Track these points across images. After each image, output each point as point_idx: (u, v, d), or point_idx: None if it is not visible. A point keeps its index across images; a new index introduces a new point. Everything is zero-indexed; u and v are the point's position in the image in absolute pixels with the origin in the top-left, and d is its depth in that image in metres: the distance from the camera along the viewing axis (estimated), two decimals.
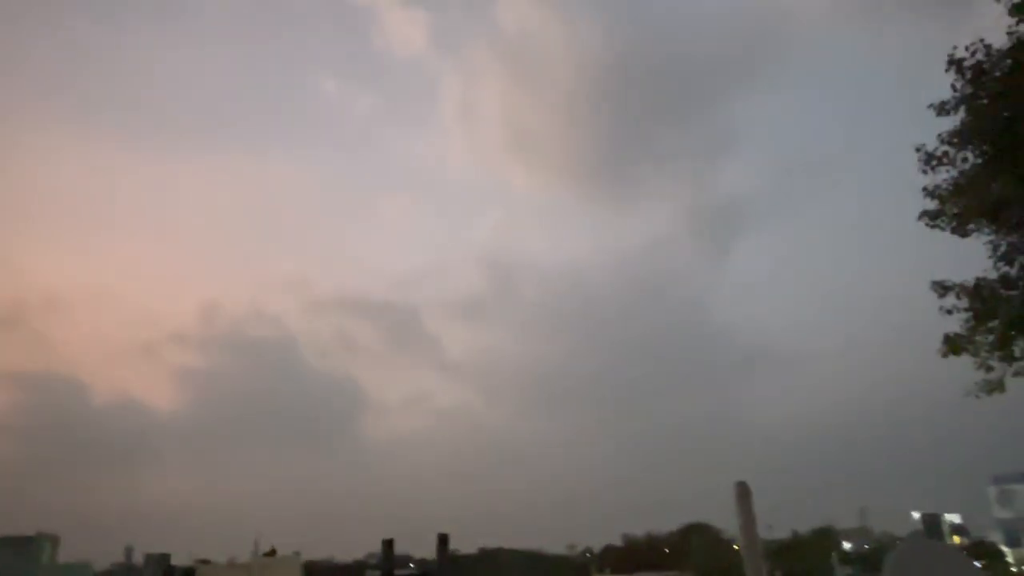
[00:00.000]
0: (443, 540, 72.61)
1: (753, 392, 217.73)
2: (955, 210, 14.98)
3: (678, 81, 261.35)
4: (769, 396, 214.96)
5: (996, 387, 15.19)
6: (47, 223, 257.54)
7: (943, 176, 14.98)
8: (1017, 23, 13.74)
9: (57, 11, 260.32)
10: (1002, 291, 14.79)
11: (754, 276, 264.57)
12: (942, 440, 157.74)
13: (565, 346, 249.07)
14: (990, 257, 14.94)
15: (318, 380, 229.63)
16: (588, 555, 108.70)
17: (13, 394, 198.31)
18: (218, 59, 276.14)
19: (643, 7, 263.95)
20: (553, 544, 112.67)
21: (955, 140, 14.60)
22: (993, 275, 14.91)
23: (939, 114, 14.68)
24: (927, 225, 15.46)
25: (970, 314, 15.07)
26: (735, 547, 62.75)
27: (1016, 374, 14.99)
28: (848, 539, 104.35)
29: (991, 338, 14.93)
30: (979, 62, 14.09)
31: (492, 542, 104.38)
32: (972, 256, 15.26)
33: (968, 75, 14.20)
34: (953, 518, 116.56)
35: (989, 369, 15.10)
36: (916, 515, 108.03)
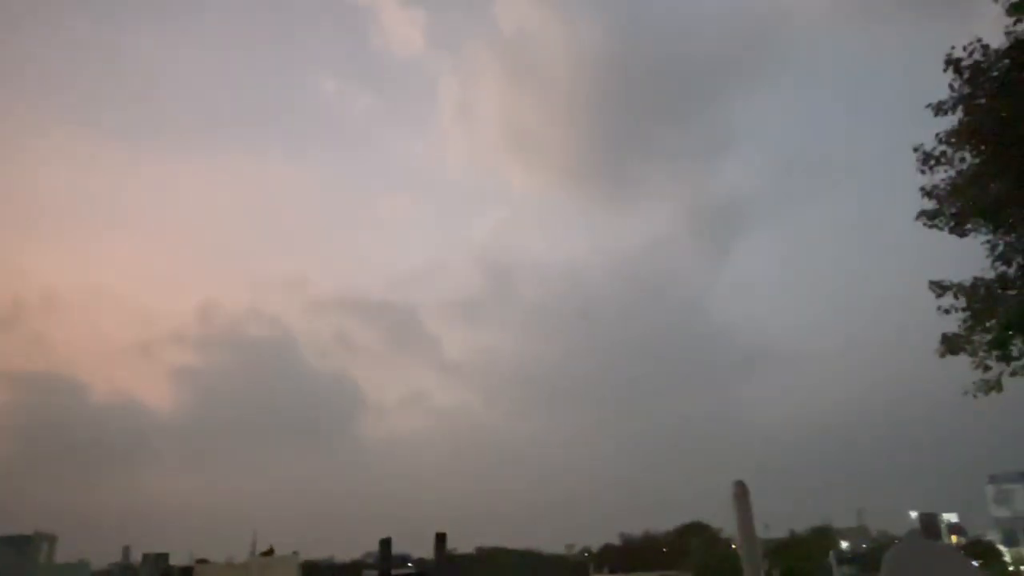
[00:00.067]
0: (440, 539, 72.71)
1: (753, 392, 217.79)
2: (953, 210, 15.00)
3: (678, 81, 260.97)
4: (769, 396, 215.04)
5: (994, 387, 15.19)
6: (46, 223, 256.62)
7: (941, 176, 15.02)
8: (1015, 23, 13.76)
9: (57, 11, 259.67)
10: (1000, 291, 14.81)
11: (754, 276, 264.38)
12: (940, 440, 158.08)
13: (564, 346, 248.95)
14: (988, 257, 14.95)
15: (317, 380, 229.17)
16: (586, 555, 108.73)
17: (11, 394, 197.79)
18: (218, 59, 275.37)
19: (643, 7, 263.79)
20: (551, 544, 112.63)
21: (953, 140, 14.62)
22: (991, 275, 14.93)
23: (937, 114, 14.69)
24: (925, 225, 15.48)
25: (968, 314, 15.09)
26: (733, 546, 62.85)
27: (1014, 374, 14.99)
28: (846, 538, 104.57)
29: (989, 338, 14.95)
30: (977, 62, 14.11)
31: (490, 542, 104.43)
32: (970, 256, 15.30)
33: (966, 75, 14.22)
34: (950, 517, 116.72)
35: (987, 369, 15.10)
36: (913, 514, 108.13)
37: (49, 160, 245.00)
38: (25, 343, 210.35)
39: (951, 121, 14.60)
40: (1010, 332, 14.67)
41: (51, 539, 72.88)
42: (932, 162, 14.93)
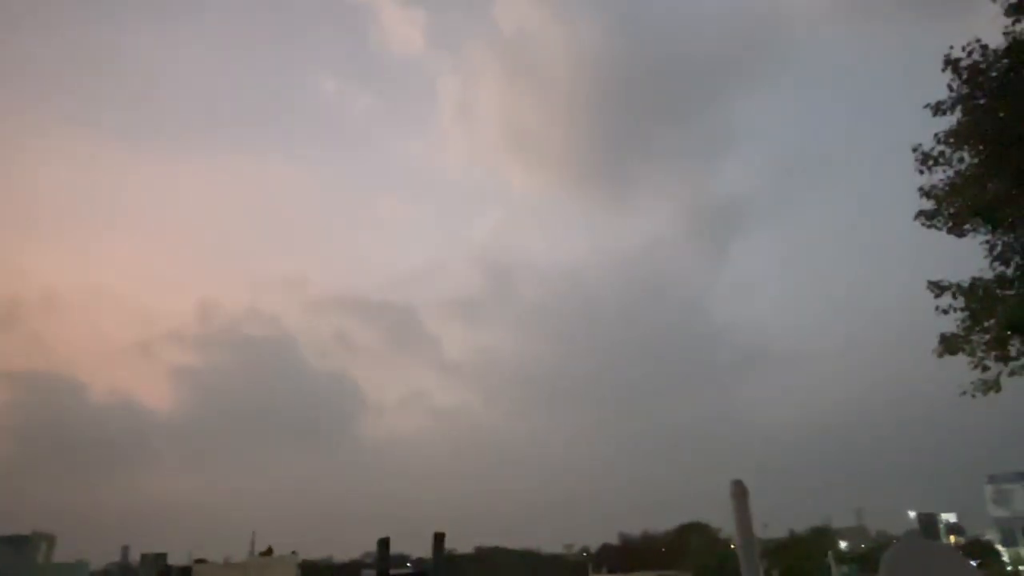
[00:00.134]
0: (439, 539, 72.60)
1: (753, 392, 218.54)
2: (951, 210, 15.00)
3: (678, 81, 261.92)
4: (769, 396, 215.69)
5: (992, 387, 15.19)
6: (46, 223, 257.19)
7: (940, 176, 15.01)
8: (1013, 23, 13.77)
9: (57, 11, 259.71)
10: (998, 291, 14.80)
11: (754, 276, 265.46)
12: (939, 440, 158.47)
13: (564, 346, 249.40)
14: (986, 257, 14.95)
15: (316, 380, 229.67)
16: (585, 554, 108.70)
17: (11, 393, 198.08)
18: (218, 59, 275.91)
19: (643, 7, 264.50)
20: (550, 543, 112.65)
21: (952, 140, 14.62)
22: (989, 275, 14.93)
23: (936, 114, 14.69)
24: (924, 225, 15.47)
25: (966, 314, 15.08)
26: (732, 546, 62.84)
27: (1012, 374, 14.98)
28: (844, 538, 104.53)
29: (987, 338, 14.94)
30: (975, 62, 14.11)
31: (489, 541, 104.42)
32: (969, 256, 15.30)
33: (964, 75, 14.22)
34: (949, 517, 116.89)
35: (985, 369, 15.09)
36: (912, 514, 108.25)
37: (49, 160, 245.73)
38: (25, 343, 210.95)
39: (950, 121, 14.61)
40: (1009, 332, 14.67)
41: (50, 539, 72.69)
42: (931, 162, 14.93)
